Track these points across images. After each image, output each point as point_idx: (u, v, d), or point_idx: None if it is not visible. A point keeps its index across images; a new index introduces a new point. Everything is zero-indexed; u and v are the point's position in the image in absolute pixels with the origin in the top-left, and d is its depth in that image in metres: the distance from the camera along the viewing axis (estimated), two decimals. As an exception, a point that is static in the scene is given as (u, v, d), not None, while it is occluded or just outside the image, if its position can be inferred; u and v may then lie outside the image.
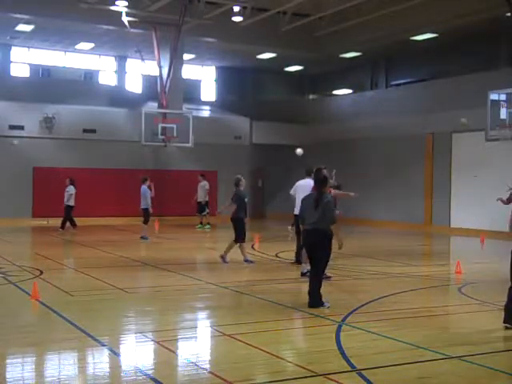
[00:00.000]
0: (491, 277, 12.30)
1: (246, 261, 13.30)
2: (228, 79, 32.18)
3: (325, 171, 9.70)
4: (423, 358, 6.43)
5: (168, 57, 23.87)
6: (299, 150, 13.57)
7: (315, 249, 8.93)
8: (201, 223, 22.57)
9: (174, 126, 22.43)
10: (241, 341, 6.98)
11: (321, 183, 9.09)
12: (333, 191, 11.81)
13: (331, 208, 9.04)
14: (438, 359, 6.42)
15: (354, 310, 8.69)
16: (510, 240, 19.13)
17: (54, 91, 24.90)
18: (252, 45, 26.21)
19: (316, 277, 8.95)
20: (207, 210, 22.33)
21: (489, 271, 13.16)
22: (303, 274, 11.27)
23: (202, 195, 22.37)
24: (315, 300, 8.80)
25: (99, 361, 6.45)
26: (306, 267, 10.85)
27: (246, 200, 13.30)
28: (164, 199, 22.10)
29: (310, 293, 8.90)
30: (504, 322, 7.67)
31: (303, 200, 9.33)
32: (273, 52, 27.75)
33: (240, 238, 13.16)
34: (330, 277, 10.99)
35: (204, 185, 22.39)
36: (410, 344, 6.92)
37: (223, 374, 5.82)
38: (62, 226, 20.00)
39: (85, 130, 24.81)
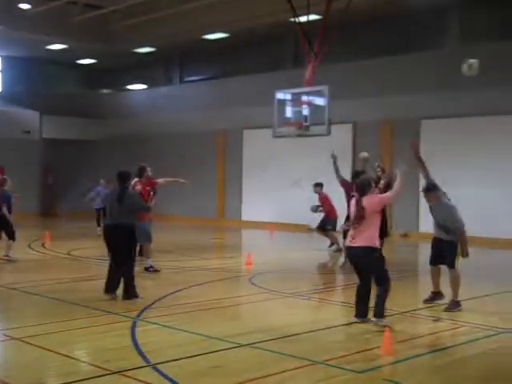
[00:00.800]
0: (278, 267, 13.03)
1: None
2: (15, 69, 30.39)
3: (149, 169, 11.49)
4: (216, 348, 6.62)
5: None
6: (365, 154, 12.95)
7: (118, 242, 9.13)
8: None
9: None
10: (31, 344, 6.70)
11: (122, 179, 9.36)
12: (161, 180, 12.41)
13: (136, 201, 9.46)
14: (229, 348, 6.68)
15: (149, 305, 8.73)
16: (295, 231, 20.39)
17: None
18: (41, 35, 24.98)
19: (128, 270, 9.15)
20: None
21: (276, 261, 13.94)
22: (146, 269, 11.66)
23: None
24: (131, 292, 9.10)
25: None
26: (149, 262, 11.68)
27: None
28: None
29: (112, 287, 9.17)
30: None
31: (106, 196, 9.66)
32: (63, 43, 26.70)
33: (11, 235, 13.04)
34: (158, 270, 11.74)
35: None
36: (204, 335, 7.11)
37: (12, 380, 5.56)
38: None
39: None
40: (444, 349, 6.86)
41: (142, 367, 5.98)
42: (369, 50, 21.68)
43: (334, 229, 15.21)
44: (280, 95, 15.77)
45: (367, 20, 21.02)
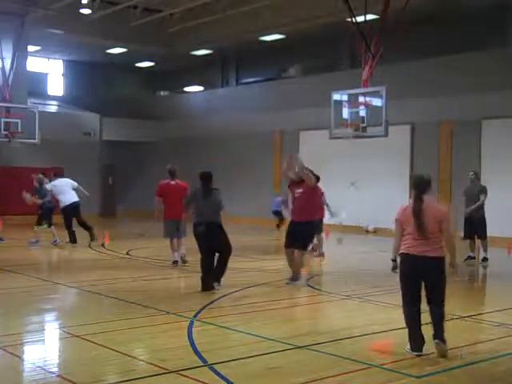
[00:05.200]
0: (334, 268, 12.95)
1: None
2: (77, 73, 31.17)
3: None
4: (272, 350, 6.62)
5: (11, 48, 22.69)
6: None
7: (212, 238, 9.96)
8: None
9: (19, 121, 21.42)
10: (91, 341, 6.84)
11: (207, 179, 10.36)
12: None
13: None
14: (286, 350, 6.66)
15: (206, 305, 8.80)
16: (351, 233, 20.19)
17: None
18: (101, 39, 25.57)
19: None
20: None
21: (332, 263, 13.86)
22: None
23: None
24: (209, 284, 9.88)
25: None
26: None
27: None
28: (8, 197, 21.00)
29: (210, 285, 9.89)
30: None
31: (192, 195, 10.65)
32: (123, 47, 27.26)
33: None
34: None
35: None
36: (260, 337, 7.11)
37: (72, 377, 5.67)
38: None
39: None
40: (505, 355, 6.67)
41: (198, 367, 6.01)
42: (428, 49, 21.32)
43: None
44: (337, 96, 15.64)
45: (426, 19, 20.71)
